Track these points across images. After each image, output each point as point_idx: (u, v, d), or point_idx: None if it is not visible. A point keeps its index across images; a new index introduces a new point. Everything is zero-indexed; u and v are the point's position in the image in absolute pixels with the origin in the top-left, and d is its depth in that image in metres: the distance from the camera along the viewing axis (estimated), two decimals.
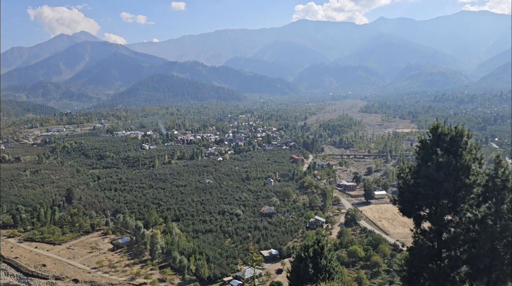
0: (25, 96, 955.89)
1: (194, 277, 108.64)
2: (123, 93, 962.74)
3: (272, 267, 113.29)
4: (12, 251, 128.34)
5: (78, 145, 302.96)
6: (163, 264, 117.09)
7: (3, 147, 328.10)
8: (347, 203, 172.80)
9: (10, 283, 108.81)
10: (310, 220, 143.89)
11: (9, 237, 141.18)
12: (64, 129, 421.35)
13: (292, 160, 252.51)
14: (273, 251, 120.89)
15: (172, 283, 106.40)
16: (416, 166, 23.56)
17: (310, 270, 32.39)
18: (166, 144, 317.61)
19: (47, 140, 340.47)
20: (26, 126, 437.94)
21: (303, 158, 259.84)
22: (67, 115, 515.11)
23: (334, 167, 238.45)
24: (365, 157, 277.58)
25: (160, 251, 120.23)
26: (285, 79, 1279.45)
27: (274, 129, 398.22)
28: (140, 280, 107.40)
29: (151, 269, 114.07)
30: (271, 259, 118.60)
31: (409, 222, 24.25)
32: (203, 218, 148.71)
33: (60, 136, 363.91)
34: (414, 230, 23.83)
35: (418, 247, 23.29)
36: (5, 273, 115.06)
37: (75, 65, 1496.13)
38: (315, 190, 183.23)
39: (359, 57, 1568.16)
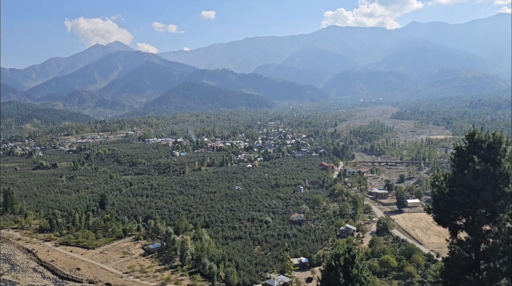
0: (62, 104, 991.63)
1: (224, 284, 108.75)
2: (154, 101, 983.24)
3: (302, 275, 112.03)
4: (48, 255, 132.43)
5: (111, 152, 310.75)
6: (193, 270, 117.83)
7: (41, 154, 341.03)
8: (378, 211, 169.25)
9: (47, 285, 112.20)
10: (341, 228, 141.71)
11: (45, 240, 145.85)
12: (98, 136, 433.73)
13: (322, 167, 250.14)
14: (303, 259, 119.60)
15: None
16: (451, 174, 22.74)
17: (341, 279, 31.67)
18: (196, 151, 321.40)
19: (82, 147, 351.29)
20: (62, 134, 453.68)
21: (333, 165, 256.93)
22: (101, 123, 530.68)
23: (365, 174, 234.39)
24: (397, 165, 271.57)
25: (190, 257, 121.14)
26: (315, 85, 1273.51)
27: (304, 136, 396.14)
28: (170, 285, 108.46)
29: (181, 275, 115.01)
30: (301, 267, 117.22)
31: (444, 231, 23.38)
32: (233, 224, 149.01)
33: (94, 143, 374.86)
34: (450, 240, 22.95)
35: (454, 258, 22.40)
36: (42, 275, 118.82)
37: (109, 74, 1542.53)
38: (345, 198, 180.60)
39: (390, 62, 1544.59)
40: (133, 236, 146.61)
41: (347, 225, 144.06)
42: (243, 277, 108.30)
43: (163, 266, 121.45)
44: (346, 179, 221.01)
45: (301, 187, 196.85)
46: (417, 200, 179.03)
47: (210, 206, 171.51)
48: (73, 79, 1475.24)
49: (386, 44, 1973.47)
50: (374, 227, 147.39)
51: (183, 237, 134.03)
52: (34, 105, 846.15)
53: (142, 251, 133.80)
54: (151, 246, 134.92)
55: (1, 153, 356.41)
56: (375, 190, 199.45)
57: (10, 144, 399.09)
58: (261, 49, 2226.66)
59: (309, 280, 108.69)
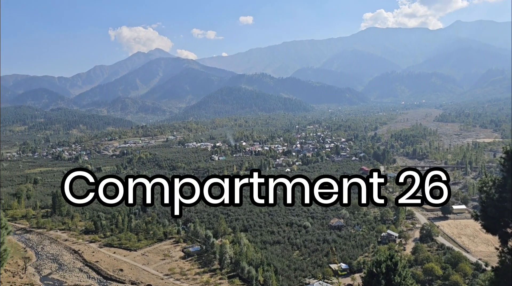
0: (106, 110, 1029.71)
1: None
2: (194, 106, 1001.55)
3: (341, 281, 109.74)
4: (93, 255, 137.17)
5: (153, 156, 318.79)
6: (232, 274, 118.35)
7: (87, 158, 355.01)
8: (422, 218, 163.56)
9: (92, 285, 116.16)
10: (382, 235, 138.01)
11: (91, 242, 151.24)
12: (140, 141, 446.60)
13: (362, 171, 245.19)
14: (343, 265, 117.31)
15: None
16: (501, 179, 21.46)
17: None
18: (234, 155, 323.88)
19: (125, 151, 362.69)
20: (106, 139, 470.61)
21: (373, 169, 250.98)
22: (142, 128, 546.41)
23: None
24: None
25: (229, 260, 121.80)
26: (354, 88, 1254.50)
27: (343, 139, 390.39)
28: None
29: (220, 278, 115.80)
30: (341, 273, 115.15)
31: (494, 239, 22.14)
32: (271, 229, 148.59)
33: (136, 148, 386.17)
34: (500, 248, 21.64)
35: (504, 267, 21.10)
36: (87, 275, 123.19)
37: (150, 81, 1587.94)
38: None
39: (433, 63, 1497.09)
40: (173, 239, 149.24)
41: (389, 231, 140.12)
42: (282, 282, 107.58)
43: (202, 269, 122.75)
44: (388, 184, 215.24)
45: None
46: (463, 206, 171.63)
47: (248, 210, 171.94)
48: (116, 86, 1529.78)
49: (429, 45, 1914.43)
50: (417, 234, 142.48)
51: (222, 240, 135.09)
52: (80, 112, 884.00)
53: (182, 254, 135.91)
54: (190, 249, 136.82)
55: (50, 157, 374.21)
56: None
57: (58, 148, 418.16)
58: (299, 53, 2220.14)
59: None
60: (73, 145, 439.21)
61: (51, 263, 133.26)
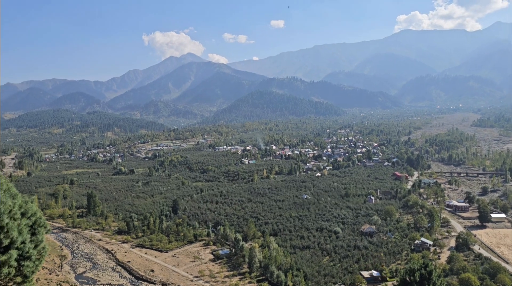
0: (139, 114, 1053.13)
1: None
2: (224, 110, 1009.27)
3: None
4: (125, 255, 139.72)
5: (184, 159, 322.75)
6: (261, 277, 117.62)
7: (120, 160, 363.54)
8: (457, 226, 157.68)
9: (124, 284, 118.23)
10: (415, 242, 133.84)
11: (123, 242, 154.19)
12: (172, 144, 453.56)
13: (395, 177, 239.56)
14: (374, 273, 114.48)
15: None
16: None
17: None
18: (264, 159, 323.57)
19: (157, 154, 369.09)
20: (139, 141, 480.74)
21: (407, 175, 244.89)
22: (174, 131, 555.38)
23: (442, 185, 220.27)
24: (479, 176, 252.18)
25: (258, 264, 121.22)
26: (387, 92, 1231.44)
27: (375, 144, 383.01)
28: None
29: (249, 282, 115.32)
30: (372, 280, 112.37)
31: None
32: (301, 234, 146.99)
33: (168, 151, 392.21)
34: None
35: None
36: (119, 275, 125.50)
37: (182, 85, 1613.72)
38: (420, 210, 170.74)
39: (470, 66, 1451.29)
40: (203, 242, 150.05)
41: (423, 239, 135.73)
42: None
43: (231, 272, 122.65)
44: (421, 190, 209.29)
45: (372, 197, 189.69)
46: (503, 215, 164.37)
47: (278, 214, 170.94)
48: (149, 90, 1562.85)
49: (466, 47, 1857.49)
50: (452, 242, 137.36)
51: (251, 244, 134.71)
52: (115, 115, 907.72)
53: (211, 257, 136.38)
54: (220, 252, 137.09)
55: (86, 159, 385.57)
56: (454, 202, 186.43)
57: (94, 151, 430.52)
58: (330, 57, 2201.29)
59: None
60: (107, 148, 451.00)
61: (86, 261, 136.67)
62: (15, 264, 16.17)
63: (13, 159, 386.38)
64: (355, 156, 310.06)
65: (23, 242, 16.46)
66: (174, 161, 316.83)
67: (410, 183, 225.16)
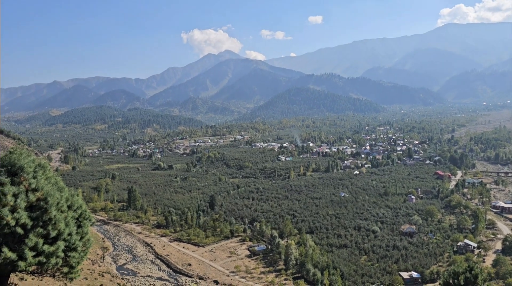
0: (178, 110, 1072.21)
1: None
2: (261, 107, 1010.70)
3: None
4: (164, 249, 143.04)
5: (221, 155, 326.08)
6: (297, 275, 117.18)
7: (159, 156, 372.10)
8: (505, 228, 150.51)
9: (162, 277, 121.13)
10: (458, 244, 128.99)
11: (162, 236, 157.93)
12: (209, 140, 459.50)
13: (436, 176, 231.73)
14: (414, 274, 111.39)
15: None
16: None
17: None
18: (301, 156, 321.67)
19: (195, 150, 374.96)
20: (177, 137, 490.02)
21: (449, 174, 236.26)
22: (211, 128, 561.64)
23: (488, 185, 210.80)
24: None
25: (294, 262, 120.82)
26: (429, 88, 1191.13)
27: (416, 142, 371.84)
28: None
29: (285, 279, 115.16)
30: (411, 282, 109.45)
31: None
32: (338, 232, 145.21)
33: (205, 147, 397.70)
34: None
35: None
36: (158, 268, 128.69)
37: (219, 82, 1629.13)
38: (464, 211, 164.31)
39: None
40: (240, 237, 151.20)
41: (466, 240, 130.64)
42: None
43: (267, 269, 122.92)
44: (465, 190, 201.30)
45: (412, 196, 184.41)
46: None
47: (315, 212, 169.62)
48: (187, 87, 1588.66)
49: None
50: (498, 245, 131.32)
51: (287, 241, 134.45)
52: (154, 112, 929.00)
53: (247, 252, 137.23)
54: (256, 248, 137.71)
55: (126, 154, 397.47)
56: (501, 203, 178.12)
57: (134, 146, 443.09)
58: (369, 52, 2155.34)
59: None
60: (147, 143, 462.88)
61: (126, 254, 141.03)
62: (62, 255, 16.77)
63: (59, 153, 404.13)
64: (394, 154, 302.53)
65: (69, 234, 17.02)
66: (211, 157, 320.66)
67: (453, 183, 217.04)
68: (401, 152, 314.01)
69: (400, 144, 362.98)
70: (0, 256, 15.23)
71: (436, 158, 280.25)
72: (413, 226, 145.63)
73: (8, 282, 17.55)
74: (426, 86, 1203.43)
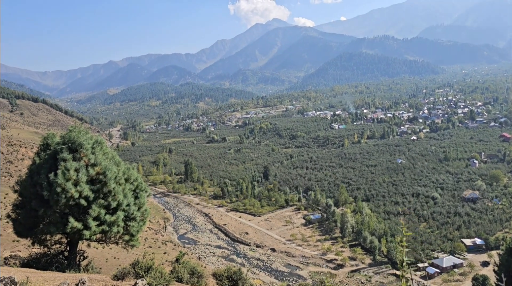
0: (228, 83, 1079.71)
1: (386, 259, 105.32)
2: (312, 75, 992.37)
3: (476, 258, 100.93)
4: (221, 219, 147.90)
5: (273, 126, 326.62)
6: (353, 242, 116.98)
7: (213, 129, 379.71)
8: None
9: (221, 245, 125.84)
10: None
11: (218, 206, 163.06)
12: (261, 112, 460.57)
13: (502, 138, 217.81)
14: (477, 241, 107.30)
15: (362, 263, 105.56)
16: None
17: None
18: (355, 123, 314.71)
19: (247, 122, 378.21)
20: (229, 110, 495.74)
21: None
22: (262, 99, 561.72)
23: None
24: None
25: (350, 230, 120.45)
26: (494, 45, 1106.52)
27: (479, 103, 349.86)
28: (331, 256, 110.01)
29: (341, 247, 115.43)
30: (475, 249, 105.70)
31: None
32: (395, 199, 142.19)
33: (257, 118, 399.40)
34: None
35: None
36: (217, 237, 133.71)
37: (268, 52, 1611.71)
38: None
39: None
40: (294, 206, 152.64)
41: None
42: (407, 255, 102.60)
43: (323, 237, 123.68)
44: None
45: (475, 161, 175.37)
46: None
47: (370, 180, 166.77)
48: (237, 59, 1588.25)
49: None
50: None
51: (343, 209, 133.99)
52: (205, 85, 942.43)
53: (303, 221, 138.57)
54: (311, 216, 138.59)
55: (181, 129, 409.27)
56: None
57: (188, 121, 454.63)
58: (426, 10, 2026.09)
59: (485, 264, 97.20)
60: (200, 117, 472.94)
61: (186, 224, 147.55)
62: (122, 224, 17.79)
63: (118, 131, 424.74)
64: (455, 117, 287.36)
65: (128, 205, 17.95)
66: (263, 128, 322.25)
67: None
68: (462, 114, 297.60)
69: (461, 106, 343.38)
70: (67, 226, 16.41)
71: (502, 120, 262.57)
72: (476, 191, 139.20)
73: (77, 249, 18.96)
74: (491, 43, 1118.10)
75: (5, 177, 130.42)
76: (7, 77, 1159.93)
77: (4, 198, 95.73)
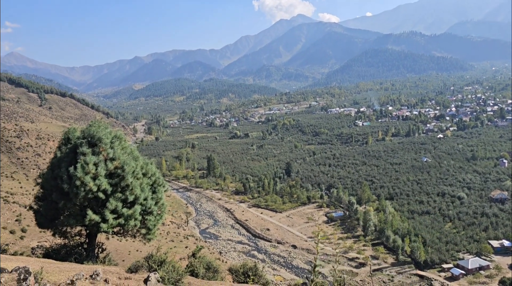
0: (252, 79, 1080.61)
1: (409, 259, 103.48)
2: (336, 71, 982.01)
3: (503, 260, 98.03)
4: (243, 214, 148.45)
5: (296, 122, 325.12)
6: (376, 241, 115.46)
7: (235, 125, 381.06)
8: None
9: (242, 241, 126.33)
10: None
11: (240, 202, 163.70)
12: (284, 108, 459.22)
13: None
14: (506, 243, 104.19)
15: (385, 262, 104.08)
16: None
17: None
18: (379, 120, 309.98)
19: (269, 118, 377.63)
20: (252, 106, 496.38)
21: None
22: (286, 95, 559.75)
23: None
24: None
25: (373, 228, 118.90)
26: None
27: (510, 101, 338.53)
28: (353, 254, 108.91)
29: (363, 245, 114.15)
30: (503, 251, 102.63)
31: None
32: (420, 198, 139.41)
33: (280, 114, 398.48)
34: None
35: None
36: (238, 232, 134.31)
37: (292, 48, 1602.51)
38: None
39: None
40: (316, 204, 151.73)
41: None
42: (431, 255, 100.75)
43: (345, 235, 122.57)
44: None
45: (504, 160, 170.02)
46: None
47: (394, 178, 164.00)
48: (261, 55, 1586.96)
49: None
50: None
51: (365, 207, 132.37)
52: (229, 81, 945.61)
53: (325, 218, 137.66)
54: (333, 214, 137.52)
55: (204, 124, 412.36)
56: None
57: (211, 116, 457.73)
58: (455, 4, 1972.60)
59: None
60: (223, 113, 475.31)
61: (208, 218, 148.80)
62: (139, 217, 17.94)
63: (143, 125, 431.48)
64: (484, 115, 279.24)
65: (145, 199, 18.09)
66: (286, 125, 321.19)
67: None
68: (491, 112, 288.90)
69: (491, 104, 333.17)
70: (86, 218, 16.65)
71: None
72: (505, 192, 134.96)
73: (97, 242, 19.27)
74: None
75: (33, 169, 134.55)
76: (37, 72, 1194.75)
77: (32, 190, 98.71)
